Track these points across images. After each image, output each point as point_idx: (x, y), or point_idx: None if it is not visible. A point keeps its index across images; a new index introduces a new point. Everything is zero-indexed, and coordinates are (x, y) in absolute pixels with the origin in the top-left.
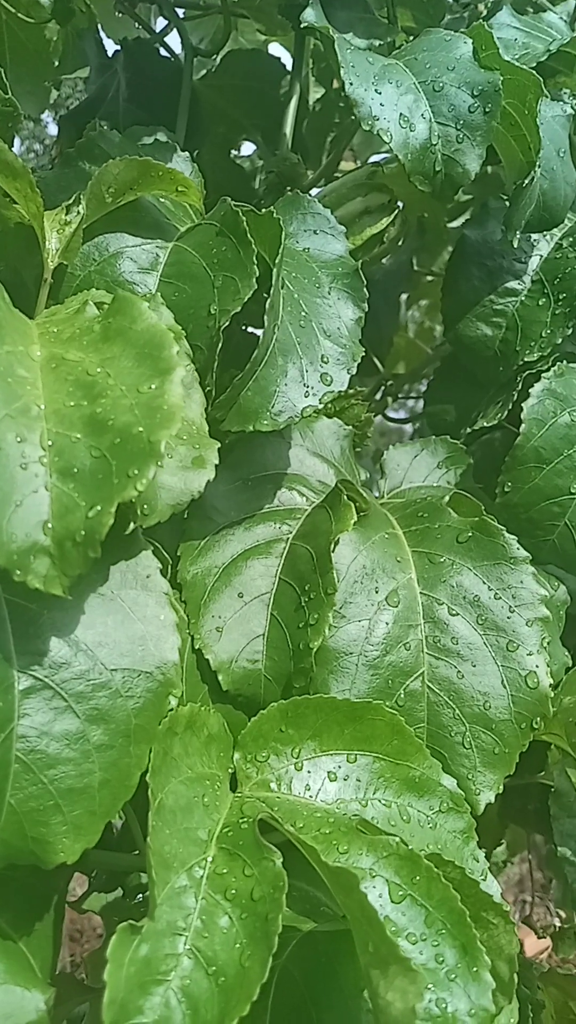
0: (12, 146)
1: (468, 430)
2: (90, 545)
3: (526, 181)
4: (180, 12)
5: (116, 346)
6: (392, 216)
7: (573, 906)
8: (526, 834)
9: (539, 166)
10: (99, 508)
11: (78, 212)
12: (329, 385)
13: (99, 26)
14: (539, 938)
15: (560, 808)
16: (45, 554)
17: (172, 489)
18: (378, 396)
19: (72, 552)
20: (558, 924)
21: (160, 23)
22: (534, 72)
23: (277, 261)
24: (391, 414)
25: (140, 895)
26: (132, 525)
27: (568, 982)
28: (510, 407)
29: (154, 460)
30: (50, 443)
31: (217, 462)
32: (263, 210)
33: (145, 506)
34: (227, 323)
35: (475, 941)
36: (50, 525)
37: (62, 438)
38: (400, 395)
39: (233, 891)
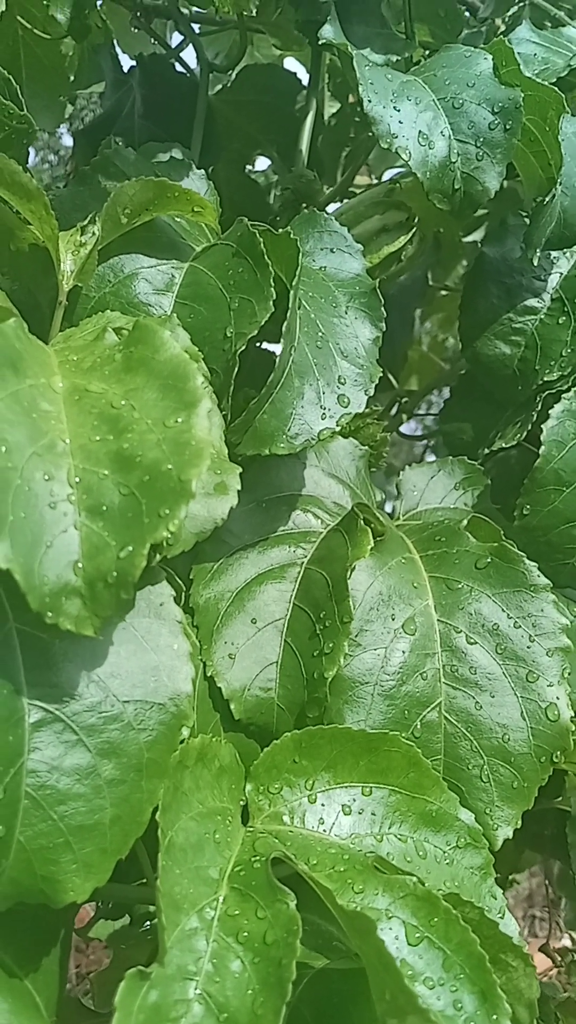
0: (27, 161)
1: (486, 450)
2: (122, 586)
3: (546, 199)
4: (196, 27)
5: (139, 377)
6: (410, 234)
7: None
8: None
9: (560, 183)
10: (130, 549)
11: (93, 233)
12: (346, 407)
13: (115, 41)
14: (556, 966)
15: None
16: (77, 595)
17: (196, 517)
18: (392, 412)
19: (104, 593)
20: (568, 944)
21: (176, 38)
22: (555, 89)
23: (294, 283)
24: (405, 429)
25: (148, 923)
26: (156, 557)
27: None
28: (529, 427)
29: (185, 500)
30: (77, 480)
31: (239, 487)
32: (280, 230)
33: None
34: (244, 347)
35: (495, 987)
36: (80, 565)
37: (89, 475)
38: (416, 412)
39: (245, 934)
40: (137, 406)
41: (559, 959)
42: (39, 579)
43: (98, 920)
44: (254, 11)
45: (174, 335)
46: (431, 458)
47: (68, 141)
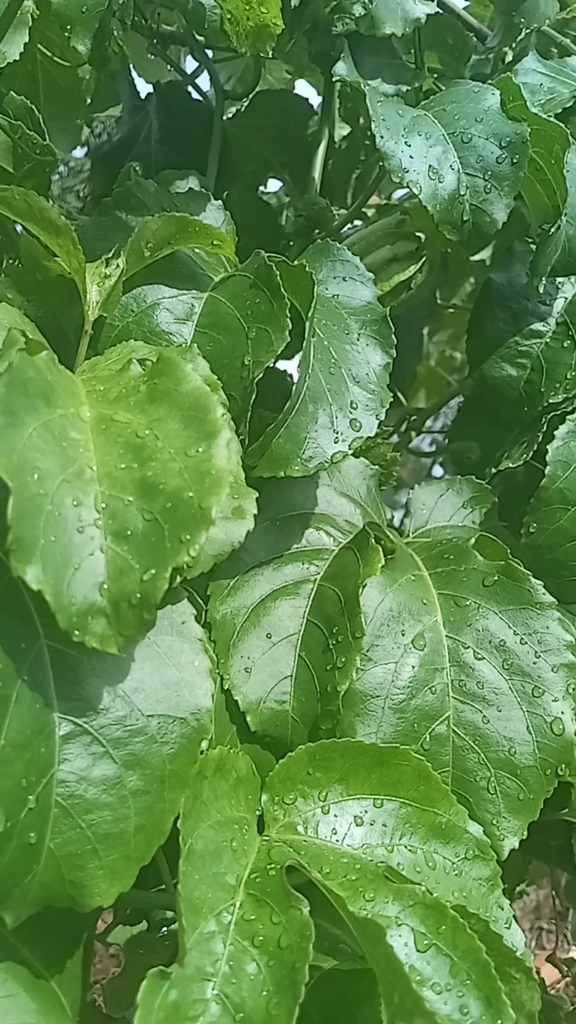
0: (49, 189)
1: (493, 470)
2: (145, 607)
3: (552, 228)
4: (210, 53)
5: (163, 408)
6: (419, 263)
7: None
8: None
9: (565, 213)
10: (154, 572)
11: (118, 265)
12: (358, 431)
13: (131, 67)
14: (563, 977)
15: None
16: (102, 615)
17: (214, 540)
18: (402, 429)
19: (128, 614)
20: (575, 956)
21: (190, 64)
22: (561, 124)
23: (310, 314)
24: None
25: (164, 928)
26: (178, 579)
27: None
28: (535, 448)
29: (205, 526)
30: (104, 506)
31: (255, 511)
32: (295, 260)
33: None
34: (261, 374)
35: (500, 994)
36: (106, 587)
37: (115, 501)
38: (424, 430)
39: (261, 938)
40: (160, 436)
41: (566, 970)
42: (68, 599)
43: (116, 925)
44: (271, 53)
45: (195, 366)
46: (438, 471)
47: (78, 152)
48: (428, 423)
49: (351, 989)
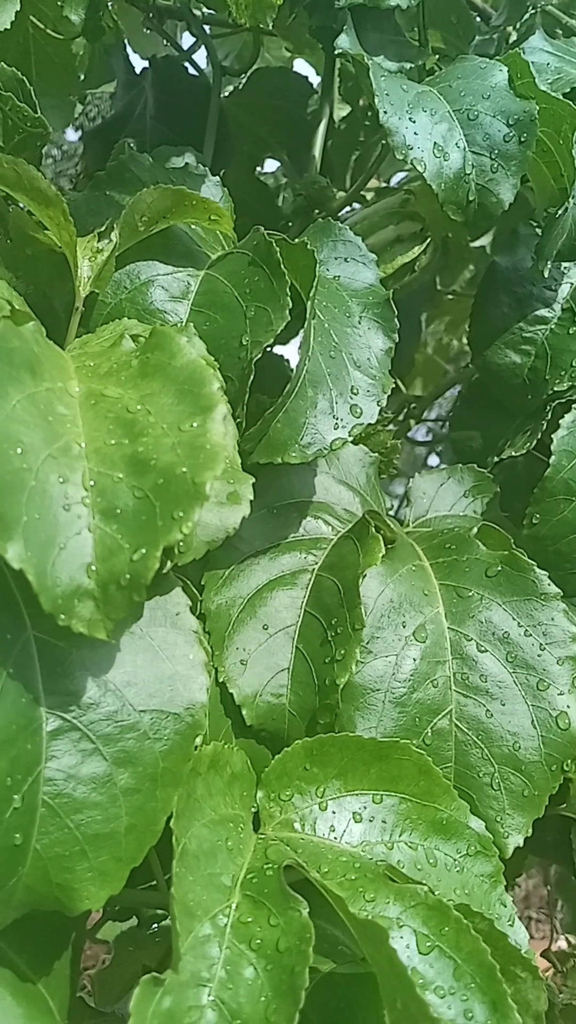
0: (41, 163)
1: (495, 459)
2: (135, 589)
3: (559, 211)
4: (208, 29)
5: (155, 382)
6: (424, 244)
7: None
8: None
9: (573, 195)
10: (144, 551)
11: (110, 240)
12: (359, 417)
13: (126, 42)
14: (558, 971)
15: None
16: (89, 597)
17: (208, 526)
18: (400, 417)
19: (116, 596)
20: (564, 946)
21: (187, 39)
22: (570, 103)
23: (311, 294)
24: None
25: (155, 925)
26: (168, 564)
27: None
28: (539, 437)
29: (199, 502)
30: (92, 483)
31: (252, 497)
32: (295, 239)
33: (182, 544)
34: (259, 355)
35: (505, 997)
36: (94, 568)
37: (104, 478)
38: (423, 418)
39: (258, 941)
40: (153, 410)
41: (560, 965)
42: (52, 580)
43: (106, 921)
44: (271, 24)
45: (191, 343)
46: (434, 461)
47: (71, 136)
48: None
49: (352, 992)
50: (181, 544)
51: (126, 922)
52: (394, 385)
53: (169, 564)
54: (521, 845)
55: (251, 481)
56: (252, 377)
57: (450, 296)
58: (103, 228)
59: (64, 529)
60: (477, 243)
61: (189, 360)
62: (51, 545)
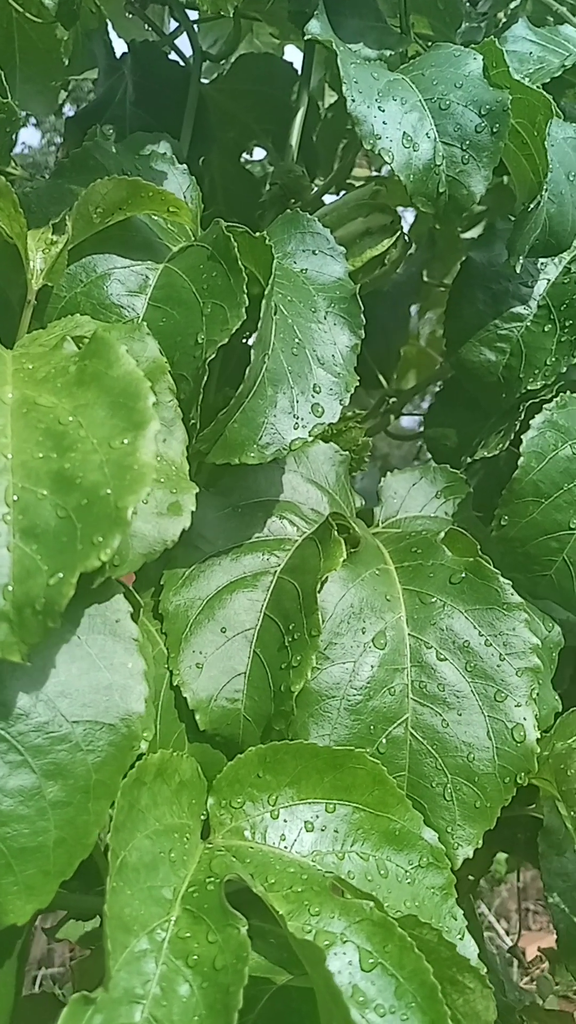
0: (12, 150)
1: (468, 459)
2: (49, 615)
3: (532, 205)
4: (193, 14)
5: (91, 392)
6: (394, 238)
7: (568, 957)
8: None
9: (547, 189)
10: (61, 576)
11: (64, 231)
12: (320, 416)
13: (110, 26)
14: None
15: (548, 846)
16: (4, 620)
17: (145, 537)
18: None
19: (31, 620)
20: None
21: (173, 25)
22: (544, 93)
23: (267, 290)
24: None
25: None
26: (101, 578)
27: (552, 1017)
28: (512, 436)
29: (120, 528)
30: (15, 498)
31: (194, 508)
32: (257, 232)
33: (116, 556)
34: (213, 355)
35: (445, 1018)
36: (10, 588)
37: (28, 494)
38: (404, 412)
39: (195, 957)
40: (85, 423)
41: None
42: None
43: (68, 920)
44: (231, 11)
45: (142, 341)
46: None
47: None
48: (420, 405)
49: (305, 1008)
50: (103, 567)
51: (89, 921)
52: (372, 377)
53: (100, 579)
54: (471, 856)
55: (195, 491)
56: (207, 376)
57: (442, 288)
58: (57, 219)
59: None
60: (469, 234)
61: (127, 371)
62: None
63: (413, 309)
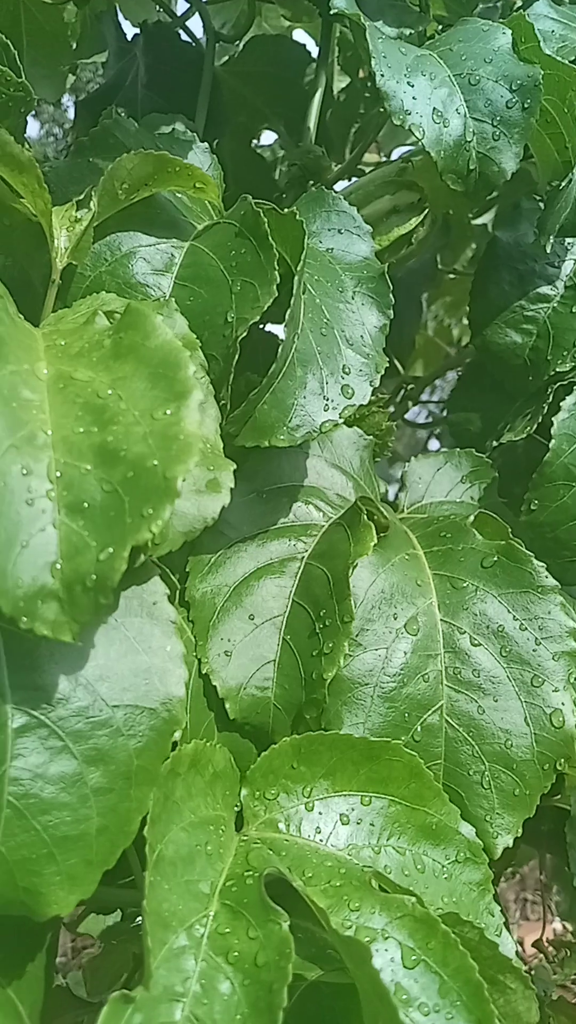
0: (25, 132)
1: (494, 443)
2: (101, 591)
3: (562, 183)
4: None
5: (128, 365)
6: (422, 216)
7: None
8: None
9: None
10: (111, 551)
11: (89, 209)
12: (350, 398)
13: (118, 8)
14: (550, 961)
15: None
16: (54, 598)
17: (185, 515)
18: (398, 399)
19: (82, 597)
20: (558, 928)
21: (182, 6)
22: None
23: (299, 268)
24: (409, 414)
25: (139, 918)
26: (141, 557)
27: None
28: (539, 420)
29: (170, 499)
30: (58, 475)
31: (232, 485)
32: (285, 209)
33: (155, 540)
34: (245, 333)
35: (492, 1017)
36: (59, 566)
37: (71, 469)
38: (421, 399)
39: (236, 953)
40: (124, 396)
41: (554, 953)
42: (13, 581)
43: (88, 915)
44: None
45: (171, 320)
46: (434, 445)
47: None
48: (424, 395)
49: (338, 1004)
50: (153, 540)
51: (110, 915)
52: (388, 364)
53: (141, 558)
54: (510, 846)
55: (232, 468)
56: (238, 356)
57: (451, 276)
58: (82, 196)
59: (27, 525)
60: (479, 220)
61: (164, 341)
62: (13, 543)
63: (423, 297)
